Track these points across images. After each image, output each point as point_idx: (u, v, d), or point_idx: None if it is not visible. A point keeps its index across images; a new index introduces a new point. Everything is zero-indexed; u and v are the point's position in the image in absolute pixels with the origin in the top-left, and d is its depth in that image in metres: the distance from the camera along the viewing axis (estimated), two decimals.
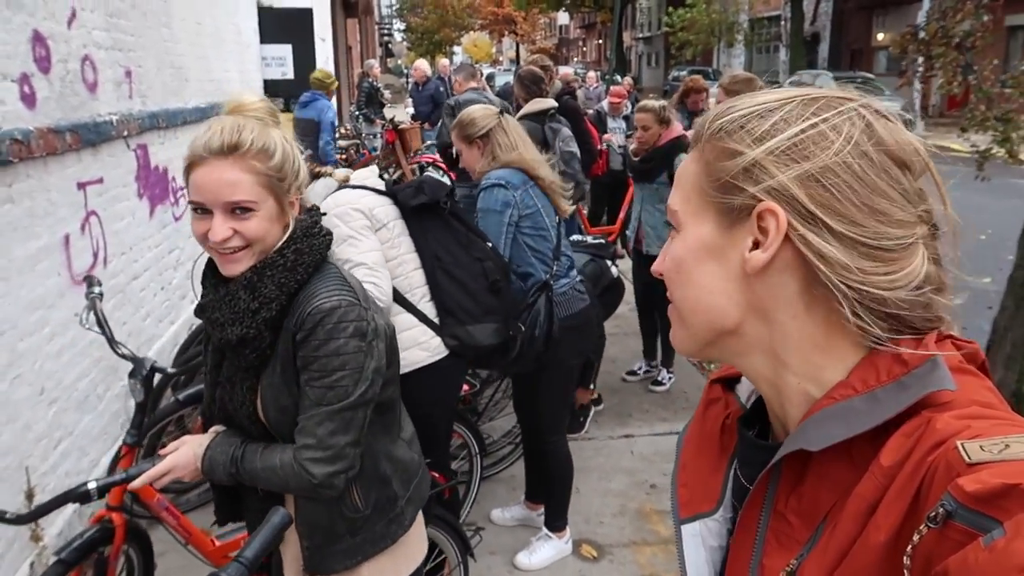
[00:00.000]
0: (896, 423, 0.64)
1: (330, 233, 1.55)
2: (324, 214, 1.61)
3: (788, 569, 0.68)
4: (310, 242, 1.47)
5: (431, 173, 3.08)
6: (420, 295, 2.51)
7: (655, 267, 0.79)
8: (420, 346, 2.48)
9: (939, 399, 0.64)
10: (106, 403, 3.46)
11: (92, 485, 1.41)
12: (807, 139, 0.68)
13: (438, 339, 2.52)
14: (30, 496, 2.71)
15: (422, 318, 2.50)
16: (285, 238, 1.45)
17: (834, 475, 0.67)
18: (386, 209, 2.47)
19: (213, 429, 1.59)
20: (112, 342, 2.40)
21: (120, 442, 2.40)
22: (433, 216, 2.55)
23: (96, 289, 2.46)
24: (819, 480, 0.68)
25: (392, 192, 2.52)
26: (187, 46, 5.13)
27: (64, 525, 2.92)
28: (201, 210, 1.38)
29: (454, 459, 3.45)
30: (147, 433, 2.39)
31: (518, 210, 2.77)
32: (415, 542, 1.76)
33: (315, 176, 2.60)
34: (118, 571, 2.34)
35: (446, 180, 2.87)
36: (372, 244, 2.36)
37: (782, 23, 31.00)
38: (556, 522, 3.17)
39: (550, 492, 3.17)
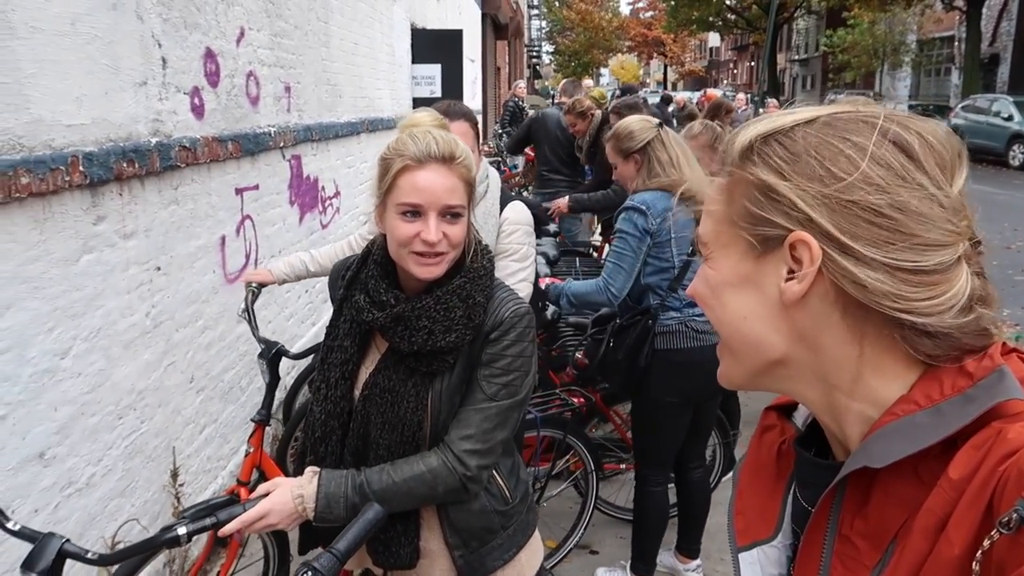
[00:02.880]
0: (965, 436, 0.60)
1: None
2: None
3: None
4: (490, 253, 1.59)
5: None
6: None
7: (689, 290, 0.78)
8: None
9: (1009, 410, 0.60)
10: (248, 395, 3.68)
11: (182, 530, 1.35)
12: (832, 163, 0.65)
13: None
14: (175, 475, 2.92)
15: None
16: (474, 249, 1.54)
17: (901, 494, 0.64)
18: None
19: (309, 470, 1.51)
20: (255, 329, 2.61)
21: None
22: None
23: (253, 286, 2.73)
24: (885, 499, 0.65)
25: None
26: (343, 64, 5.44)
27: None
28: (411, 213, 1.43)
29: (561, 477, 3.39)
30: (271, 416, 2.53)
31: (653, 239, 2.66)
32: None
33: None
34: (240, 546, 2.47)
35: None
36: (531, 275, 2.40)
37: (956, 44, 28.88)
38: (637, 563, 3.00)
39: (634, 528, 3.02)
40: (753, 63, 53.23)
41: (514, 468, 1.71)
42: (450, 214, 1.44)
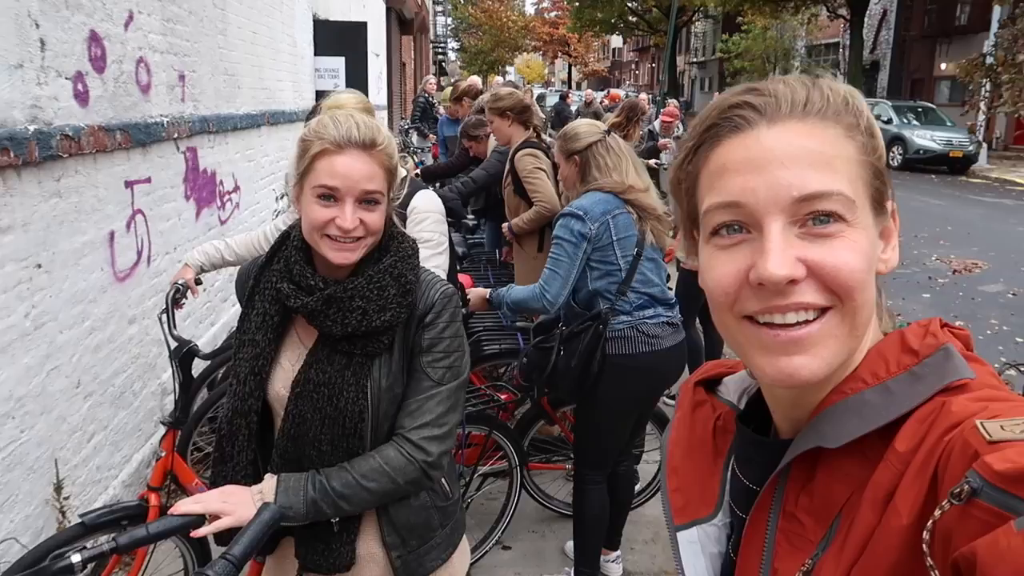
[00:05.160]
0: (908, 411, 0.62)
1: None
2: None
3: (804, 569, 0.65)
4: (412, 237, 1.57)
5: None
6: None
7: (849, 265, 0.63)
8: None
9: (952, 384, 0.62)
10: (142, 400, 3.48)
11: (75, 558, 1.24)
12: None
13: None
14: (59, 488, 2.72)
15: None
16: (399, 231, 1.53)
17: (846, 470, 0.64)
18: None
19: (269, 476, 1.45)
20: (171, 327, 2.53)
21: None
22: None
23: (180, 283, 2.66)
24: (831, 476, 0.65)
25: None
26: (242, 54, 5.23)
27: None
28: (327, 197, 1.39)
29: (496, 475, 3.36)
30: (184, 422, 2.43)
31: (592, 244, 2.64)
32: None
33: None
34: (147, 554, 2.34)
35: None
36: (445, 264, 2.40)
37: (841, 50, 30.60)
38: (581, 568, 2.98)
39: (575, 531, 3.00)
40: (654, 64, 54.70)
41: (452, 463, 1.70)
42: (367, 200, 1.41)
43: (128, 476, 3.30)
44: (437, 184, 5.77)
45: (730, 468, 0.79)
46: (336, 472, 1.43)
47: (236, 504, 1.36)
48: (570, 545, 3.25)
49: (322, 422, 1.45)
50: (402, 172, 2.44)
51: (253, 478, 1.50)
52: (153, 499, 2.26)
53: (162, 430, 2.44)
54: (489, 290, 2.96)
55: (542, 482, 3.59)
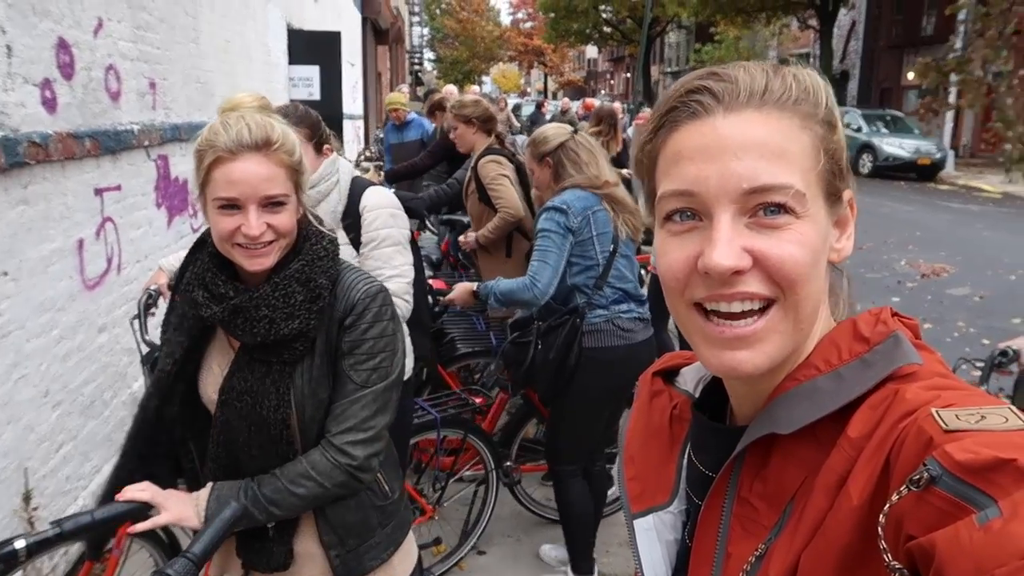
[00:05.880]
0: (860, 398, 0.62)
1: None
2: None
3: (757, 554, 0.65)
4: (330, 236, 1.51)
5: None
6: None
7: (794, 257, 0.64)
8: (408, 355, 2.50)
9: (903, 371, 0.63)
10: (112, 410, 3.44)
11: (19, 544, 1.21)
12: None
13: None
14: (27, 499, 2.68)
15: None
16: (315, 231, 1.47)
17: (800, 455, 0.65)
18: None
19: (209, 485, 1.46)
20: (144, 332, 2.51)
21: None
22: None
23: (152, 288, 2.62)
24: (784, 462, 0.66)
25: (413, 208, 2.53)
26: (215, 62, 5.20)
27: None
28: (230, 207, 1.33)
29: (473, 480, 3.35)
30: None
31: (575, 237, 2.70)
32: None
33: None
34: (121, 559, 2.31)
35: None
36: (411, 259, 2.36)
37: (811, 60, 31.06)
38: (578, 563, 2.99)
39: (564, 528, 3.02)
40: (629, 74, 55.12)
41: (392, 461, 1.67)
42: (272, 203, 1.36)
43: (98, 487, 3.26)
44: (426, 187, 5.71)
45: (686, 456, 0.80)
46: (268, 479, 1.43)
47: (176, 502, 1.38)
48: (545, 548, 3.26)
49: (248, 429, 1.44)
50: (348, 169, 2.40)
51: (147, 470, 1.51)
52: None
53: None
54: (476, 283, 2.99)
55: (526, 486, 3.59)
